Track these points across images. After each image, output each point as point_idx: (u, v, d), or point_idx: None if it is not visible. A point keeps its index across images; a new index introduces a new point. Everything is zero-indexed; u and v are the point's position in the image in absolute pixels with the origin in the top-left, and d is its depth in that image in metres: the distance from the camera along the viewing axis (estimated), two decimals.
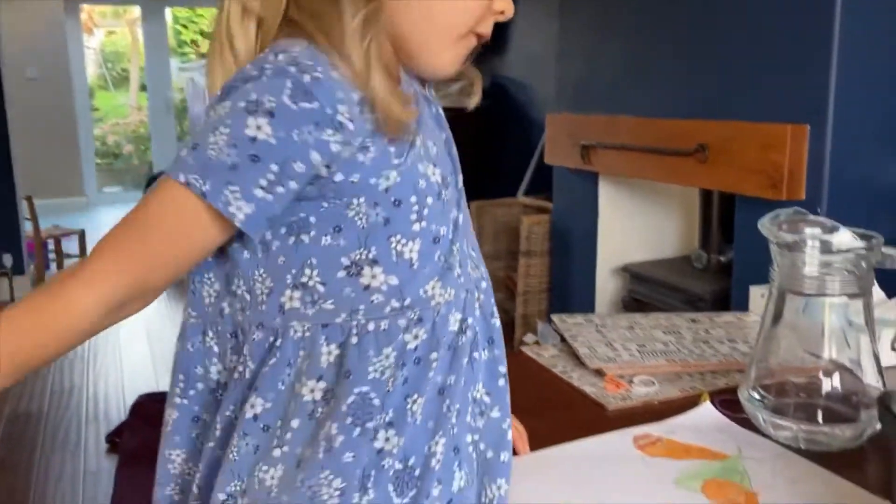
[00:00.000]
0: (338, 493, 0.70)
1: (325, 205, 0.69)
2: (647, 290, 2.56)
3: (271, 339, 0.72)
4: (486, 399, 0.79)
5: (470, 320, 0.76)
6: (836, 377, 1.05)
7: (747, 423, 1.06)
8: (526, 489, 0.91)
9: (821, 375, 1.05)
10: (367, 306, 0.71)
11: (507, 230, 3.45)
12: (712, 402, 1.12)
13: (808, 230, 1.00)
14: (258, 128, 0.65)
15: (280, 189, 0.67)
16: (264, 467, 0.72)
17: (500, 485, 0.79)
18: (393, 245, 0.71)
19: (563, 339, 1.35)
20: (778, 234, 1.00)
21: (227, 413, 0.75)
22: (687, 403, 1.13)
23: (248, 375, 0.73)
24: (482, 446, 0.78)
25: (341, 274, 0.70)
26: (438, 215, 0.73)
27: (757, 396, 1.06)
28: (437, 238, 0.73)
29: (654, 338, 1.32)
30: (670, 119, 2.20)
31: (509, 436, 0.80)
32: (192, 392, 0.78)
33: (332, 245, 0.70)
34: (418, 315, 0.72)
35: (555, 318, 1.43)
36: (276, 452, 0.72)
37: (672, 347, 1.28)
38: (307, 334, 0.71)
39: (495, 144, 4.28)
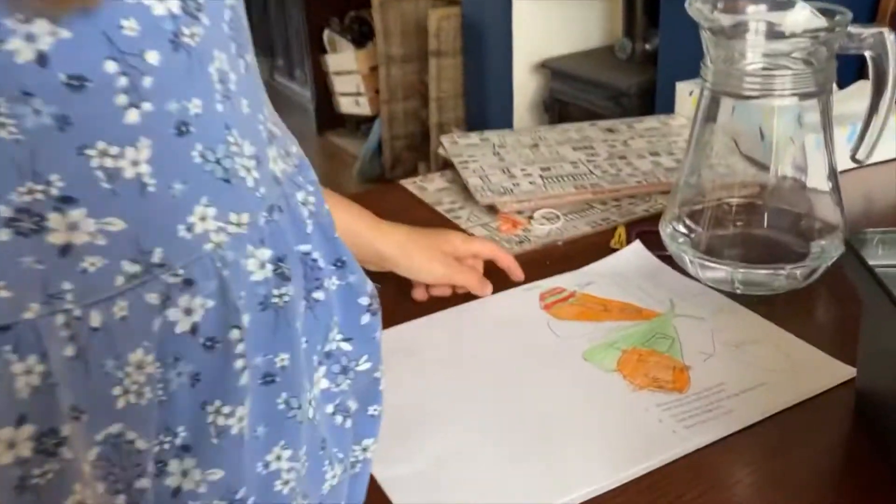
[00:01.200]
0: None
1: None
2: (568, 88, 2.31)
3: None
4: (347, 347, 0.52)
5: (302, 249, 0.47)
6: (782, 198, 0.83)
7: (673, 262, 0.85)
8: (395, 378, 0.69)
9: (762, 196, 0.84)
10: (79, 282, 0.40)
11: (416, 29, 3.08)
12: (629, 238, 0.90)
13: (752, 8, 0.73)
14: None
15: None
16: None
17: (365, 446, 0.55)
18: (95, 163, 0.38)
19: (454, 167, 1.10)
20: (711, 16, 0.73)
21: None
22: (598, 242, 0.91)
23: None
24: (349, 402, 0.53)
25: (5, 235, 0.38)
26: (180, 77, 0.40)
27: (682, 230, 0.83)
28: (186, 124, 0.41)
29: (560, 157, 1.07)
30: None
31: (381, 385, 0.55)
32: None
33: None
34: (184, 275, 0.42)
35: (444, 140, 1.17)
36: None
37: (582, 168, 1.04)
38: None
39: None
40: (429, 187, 1.07)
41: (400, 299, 0.81)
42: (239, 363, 0.43)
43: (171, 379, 0.42)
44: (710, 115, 0.81)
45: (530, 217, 0.96)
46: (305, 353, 0.48)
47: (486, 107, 2.66)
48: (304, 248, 0.47)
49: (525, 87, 2.50)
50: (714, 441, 0.62)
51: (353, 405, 0.53)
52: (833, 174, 0.80)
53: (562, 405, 0.66)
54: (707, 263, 0.80)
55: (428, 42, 2.79)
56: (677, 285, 0.82)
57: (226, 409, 0.43)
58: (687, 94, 1.18)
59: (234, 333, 0.43)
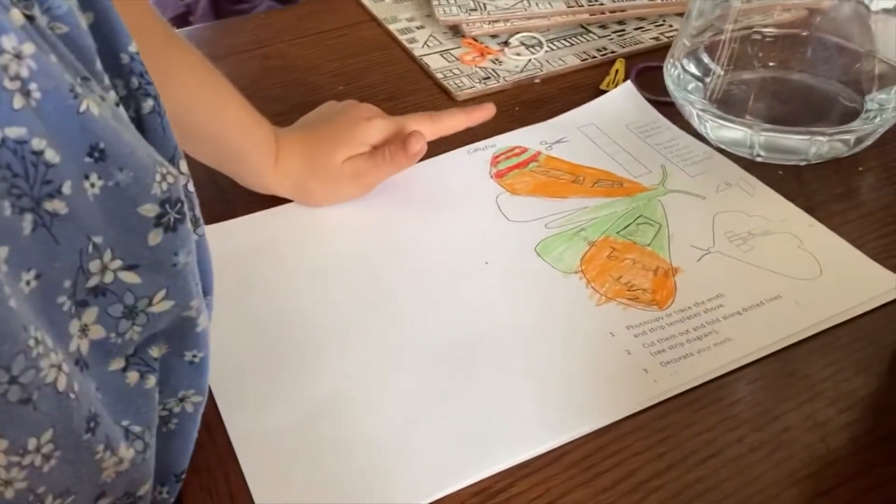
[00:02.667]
0: None
1: None
2: None
3: None
4: (132, 279, 0.34)
5: (9, 135, 0.29)
6: (835, 27, 0.62)
7: (677, 113, 0.64)
8: (262, 281, 0.53)
9: (808, 24, 0.62)
10: None
11: None
12: (628, 77, 0.69)
13: None
14: None
15: None
16: None
17: (184, 395, 0.39)
18: None
19: None
20: None
21: None
22: (587, 81, 0.70)
23: None
24: (151, 351, 0.37)
25: None
26: None
27: (694, 70, 0.63)
28: None
29: None
30: None
31: (201, 324, 0.37)
32: None
33: None
34: None
35: None
36: None
37: None
38: None
39: None
40: None
41: None
42: None
43: None
44: None
45: (505, 43, 0.75)
46: (40, 296, 0.31)
47: None
48: (13, 132, 0.29)
49: None
50: (699, 385, 0.45)
51: (157, 352, 0.37)
52: None
53: (496, 326, 0.49)
54: (720, 121, 0.59)
55: None
56: (675, 146, 0.62)
57: None
58: None
59: None
